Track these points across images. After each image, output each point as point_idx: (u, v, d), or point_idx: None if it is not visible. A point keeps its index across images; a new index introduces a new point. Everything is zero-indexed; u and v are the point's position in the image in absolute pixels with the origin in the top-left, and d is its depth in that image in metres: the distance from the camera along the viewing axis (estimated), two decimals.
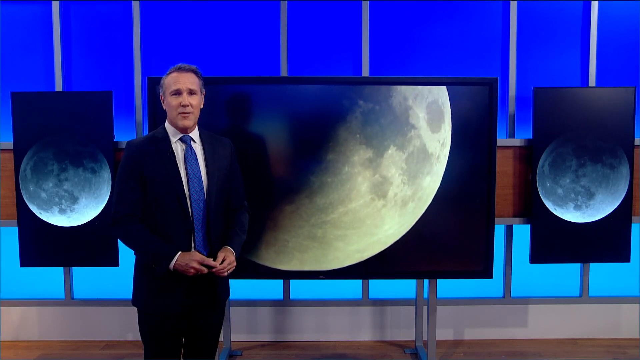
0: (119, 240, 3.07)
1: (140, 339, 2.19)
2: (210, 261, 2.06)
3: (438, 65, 3.39)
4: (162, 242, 2.05)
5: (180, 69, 2.11)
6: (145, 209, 2.08)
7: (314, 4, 3.37)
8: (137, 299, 2.15)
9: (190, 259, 2.03)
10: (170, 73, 2.12)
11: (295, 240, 2.90)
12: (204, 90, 2.19)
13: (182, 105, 2.07)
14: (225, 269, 2.09)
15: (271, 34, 3.38)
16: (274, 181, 2.88)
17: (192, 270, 2.03)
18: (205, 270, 2.05)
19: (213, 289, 2.16)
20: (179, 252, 2.04)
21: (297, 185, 2.86)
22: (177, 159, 2.10)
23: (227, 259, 2.10)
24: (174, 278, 2.07)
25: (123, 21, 3.37)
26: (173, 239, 2.07)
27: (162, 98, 2.15)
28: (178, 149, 2.12)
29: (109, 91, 3.06)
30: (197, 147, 2.16)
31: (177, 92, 2.08)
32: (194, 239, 2.10)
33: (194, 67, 2.14)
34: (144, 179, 2.06)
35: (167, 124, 2.16)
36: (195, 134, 2.17)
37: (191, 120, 2.11)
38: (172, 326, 2.12)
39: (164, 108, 2.15)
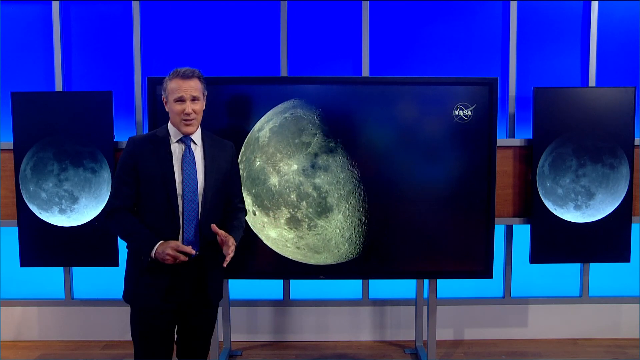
0: (118, 240, 3.10)
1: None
2: (185, 248, 2.01)
3: (438, 66, 3.39)
4: (149, 232, 2.06)
5: (183, 76, 2.09)
6: (137, 205, 2.13)
7: (314, 4, 3.37)
8: (126, 294, 2.18)
9: (165, 247, 2.00)
10: (173, 78, 2.10)
11: (299, 239, 2.91)
12: (206, 92, 2.20)
13: (186, 114, 2.09)
14: (230, 242, 2.04)
15: (271, 34, 3.38)
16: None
17: (168, 258, 1.99)
18: (183, 257, 2.00)
19: (203, 289, 2.16)
20: (160, 241, 2.03)
21: (299, 184, 2.86)
22: (174, 159, 2.11)
23: (229, 239, 2.05)
24: (157, 272, 2.08)
25: (123, 21, 3.37)
26: (161, 237, 2.06)
27: (165, 100, 2.16)
28: (177, 149, 2.14)
29: (109, 91, 3.07)
30: (197, 149, 2.17)
31: (181, 100, 2.09)
32: (183, 239, 2.10)
33: (197, 71, 2.13)
34: (138, 175, 2.09)
35: (169, 125, 2.18)
36: (197, 135, 2.18)
37: (194, 126, 2.14)
38: (159, 323, 2.12)
39: (167, 110, 2.16)
